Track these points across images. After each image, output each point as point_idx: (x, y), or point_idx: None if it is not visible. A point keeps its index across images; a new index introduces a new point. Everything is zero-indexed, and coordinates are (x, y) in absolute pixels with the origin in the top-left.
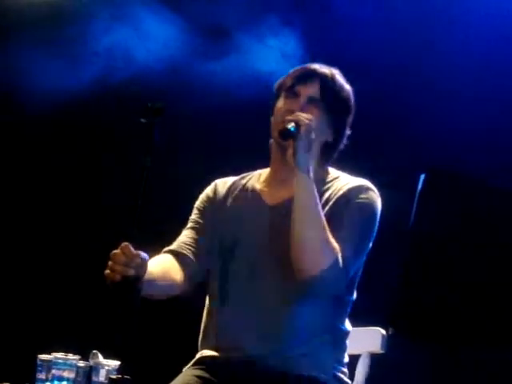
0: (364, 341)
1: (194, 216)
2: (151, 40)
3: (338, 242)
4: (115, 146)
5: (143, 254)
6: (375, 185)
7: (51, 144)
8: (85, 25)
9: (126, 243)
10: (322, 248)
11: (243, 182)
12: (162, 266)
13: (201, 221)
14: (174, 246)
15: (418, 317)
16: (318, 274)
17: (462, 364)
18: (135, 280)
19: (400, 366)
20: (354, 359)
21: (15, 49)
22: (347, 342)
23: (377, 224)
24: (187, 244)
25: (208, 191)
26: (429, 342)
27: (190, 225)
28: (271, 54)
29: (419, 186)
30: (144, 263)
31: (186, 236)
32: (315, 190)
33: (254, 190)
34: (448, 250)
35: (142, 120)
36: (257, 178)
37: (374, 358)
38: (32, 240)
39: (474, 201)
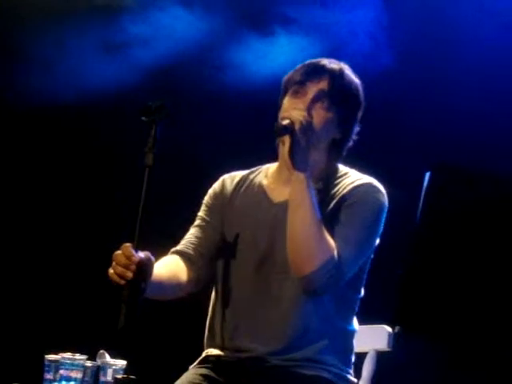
0: (370, 339)
1: (201, 213)
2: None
3: (337, 239)
4: (120, 144)
5: (148, 256)
6: (382, 182)
7: (57, 142)
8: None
9: (127, 244)
10: (313, 247)
11: (251, 176)
12: (169, 268)
13: (207, 218)
14: (180, 247)
15: (425, 315)
16: (310, 272)
17: (468, 362)
18: (136, 282)
19: (406, 364)
20: (361, 357)
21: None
22: (354, 341)
23: (382, 223)
24: (194, 244)
25: (216, 187)
26: (435, 340)
27: (197, 222)
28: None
29: (425, 184)
30: (148, 264)
31: (192, 235)
32: (309, 188)
33: (260, 186)
34: (455, 247)
35: (143, 118)
36: (264, 174)
37: (381, 356)
38: (39, 241)
39: (481, 194)
